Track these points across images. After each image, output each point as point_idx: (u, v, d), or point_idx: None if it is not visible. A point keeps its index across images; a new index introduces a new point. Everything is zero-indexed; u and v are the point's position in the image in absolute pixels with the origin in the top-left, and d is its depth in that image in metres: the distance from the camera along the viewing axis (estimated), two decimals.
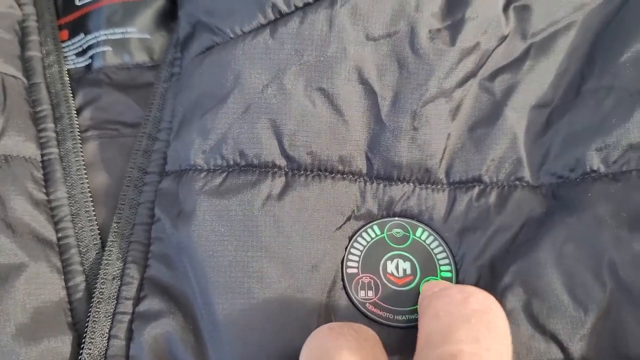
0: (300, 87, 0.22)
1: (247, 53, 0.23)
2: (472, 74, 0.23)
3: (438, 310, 0.18)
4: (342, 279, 0.22)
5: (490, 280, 0.22)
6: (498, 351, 0.16)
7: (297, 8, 0.22)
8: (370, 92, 0.23)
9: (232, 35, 0.23)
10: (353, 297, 0.22)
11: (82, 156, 0.25)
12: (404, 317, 0.22)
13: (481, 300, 0.18)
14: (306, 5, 0.22)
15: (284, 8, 0.22)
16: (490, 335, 0.17)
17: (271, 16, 0.23)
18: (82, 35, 0.28)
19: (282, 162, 0.23)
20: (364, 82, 0.23)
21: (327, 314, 0.22)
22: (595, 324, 0.20)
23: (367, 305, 0.22)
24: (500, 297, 0.21)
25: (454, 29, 0.23)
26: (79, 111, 0.27)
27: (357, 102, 0.23)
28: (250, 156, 0.22)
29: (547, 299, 0.20)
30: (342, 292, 0.22)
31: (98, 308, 0.22)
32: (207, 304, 0.21)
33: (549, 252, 0.21)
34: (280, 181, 0.22)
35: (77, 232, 0.24)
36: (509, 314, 0.20)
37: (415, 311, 0.22)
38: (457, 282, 0.22)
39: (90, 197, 0.25)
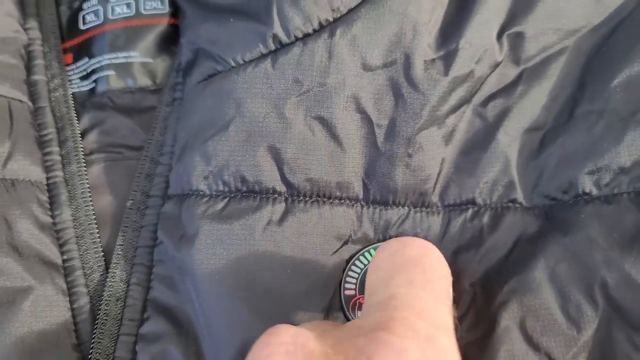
0: (300, 115, 0.23)
1: (249, 82, 0.23)
2: (465, 101, 0.24)
3: (378, 264, 0.19)
4: (340, 301, 0.23)
5: (484, 298, 0.22)
6: (431, 289, 0.18)
7: (297, 38, 0.23)
8: (366, 121, 0.24)
9: (233, 64, 0.24)
10: (350, 318, 0.23)
11: (86, 179, 0.26)
12: None
13: (417, 247, 0.19)
14: (306, 35, 0.23)
15: (285, 38, 0.23)
16: (424, 276, 0.18)
17: (272, 46, 0.23)
18: (86, 59, 0.29)
19: (282, 188, 0.23)
20: (361, 111, 0.24)
21: None
22: (588, 342, 0.21)
23: None
24: (495, 315, 0.22)
25: (448, 58, 0.23)
26: (83, 134, 0.27)
27: (354, 130, 0.24)
28: (252, 182, 0.23)
29: (542, 317, 0.21)
30: (339, 313, 0.23)
31: (102, 329, 0.23)
32: (208, 326, 0.22)
33: (542, 271, 0.21)
34: (280, 207, 0.23)
35: (81, 255, 0.25)
36: (504, 331, 0.21)
37: None
38: (453, 300, 0.23)
39: (95, 219, 0.25)
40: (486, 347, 0.21)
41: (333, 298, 0.23)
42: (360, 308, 0.23)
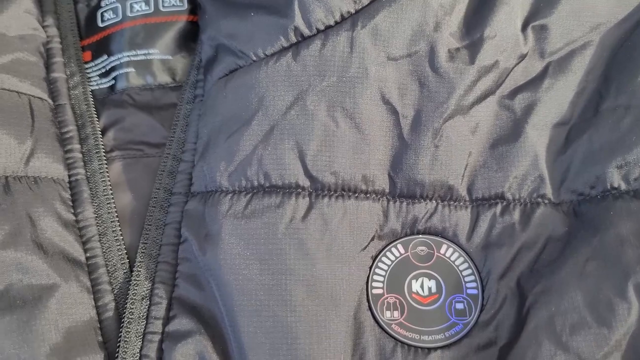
0: (323, 107, 0.23)
1: (270, 76, 0.23)
2: (491, 92, 0.24)
3: None
4: (368, 300, 0.23)
5: (514, 299, 0.22)
6: None
7: (318, 31, 0.23)
8: (391, 111, 0.23)
9: (254, 59, 0.23)
10: (379, 318, 0.22)
11: (108, 177, 0.26)
12: (430, 338, 0.22)
13: None
14: (328, 27, 0.23)
15: (306, 31, 0.23)
16: None
17: (293, 39, 0.23)
18: (105, 56, 0.29)
19: (305, 182, 0.23)
20: (385, 101, 0.23)
21: (353, 336, 0.22)
22: (620, 340, 0.20)
23: (393, 326, 0.22)
24: (525, 316, 0.21)
25: (473, 48, 0.23)
26: (103, 132, 0.27)
27: (379, 122, 0.23)
28: (274, 177, 0.23)
29: (571, 316, 0.20)
30: (367, 313, 0.22)
31: (129, 328, 0.23)
32: (233, 326, 0.22)
33: (571, 271, 0.21)
34: (304, 202, 0.22)
35: (104, 252, 0.25)
36: (532, 332, 0.21)
37: (441, 331, 0.22)
38: (483, 299, 0.22)
39: (117, 216, 0.25)
40: (515, 348, 0.21)
41: (361, 297, 0.22)
42: (388, 308, 0.22)
